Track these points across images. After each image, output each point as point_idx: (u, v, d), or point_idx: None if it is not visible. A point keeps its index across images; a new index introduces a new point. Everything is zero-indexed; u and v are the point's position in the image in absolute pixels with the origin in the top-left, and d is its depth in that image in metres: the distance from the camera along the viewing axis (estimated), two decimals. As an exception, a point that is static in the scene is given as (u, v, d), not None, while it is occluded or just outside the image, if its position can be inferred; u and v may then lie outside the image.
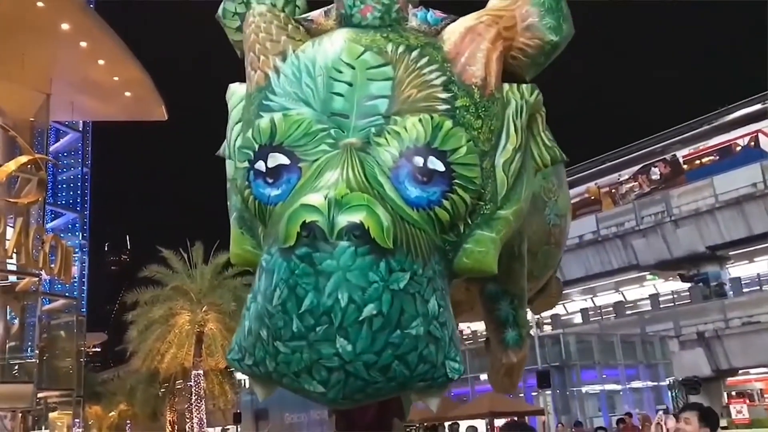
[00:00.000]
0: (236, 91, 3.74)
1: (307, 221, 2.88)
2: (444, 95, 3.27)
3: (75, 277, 27.47)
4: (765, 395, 31.66)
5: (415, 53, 3.35)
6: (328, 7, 3.69)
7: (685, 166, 35.88)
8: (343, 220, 2.87)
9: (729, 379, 31.27)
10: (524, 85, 3.59)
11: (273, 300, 2.91)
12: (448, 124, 3.18)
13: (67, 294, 27.13)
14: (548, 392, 25.08)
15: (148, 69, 25.14)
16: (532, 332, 27.18)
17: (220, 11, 3.85)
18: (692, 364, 29.33)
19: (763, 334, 28.63)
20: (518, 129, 3.47)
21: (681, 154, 36.38)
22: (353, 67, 3.29)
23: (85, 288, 30.43)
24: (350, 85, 3.27)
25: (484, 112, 3.34)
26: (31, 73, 22.23)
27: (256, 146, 3.26)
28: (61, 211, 29.38)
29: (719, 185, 31.05)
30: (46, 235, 22.52)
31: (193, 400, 29.75)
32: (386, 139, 3.15)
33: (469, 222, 3.27)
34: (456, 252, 3.28)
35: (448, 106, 3.25)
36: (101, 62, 23.29)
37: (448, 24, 3.56)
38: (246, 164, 3.30)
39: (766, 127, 32.98)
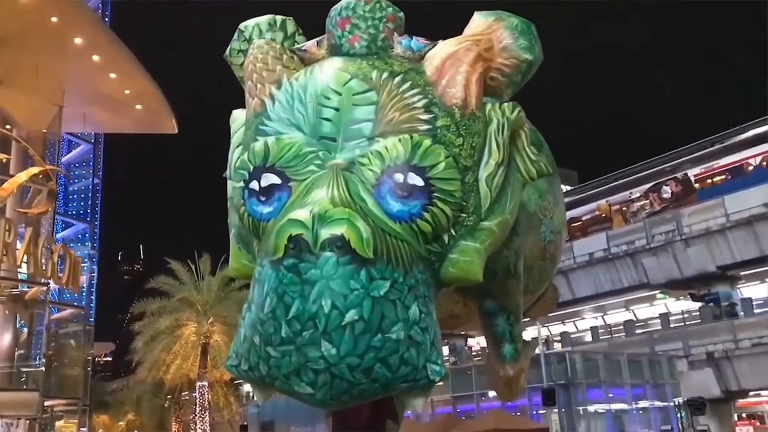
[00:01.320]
0: (238, 117, 4.03)
1: (293, 234, 3.12)
2: (425, 116, 3.49)
3: (84, 287, 27.66)
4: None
5: (398, 78, 3.59)
6: (321, 37, 3.98)
7: (696, 185, 35.64)
8: (326, 233, 3.10)
9: (740, 400, 30.90)
10: (506, 104, 3.82)
11: (264, 308, 3.14)
12: (427, 142, 3.39)
13: (75, 303, 27.30)
14: (554, 410, 24.95)
15: (160, 82, 25.51)
16: (538, 350, 27.10)
17: (227, 51, 4.18)
18: (701, 385, 29.04)
19: (774, 356, 28.32)
20: (500, 145, 3.67)
21: (692, 173, 36.16)
22: (340, 94, 3.55)
23: (93, 298, 30.64)
24: (337, 110, 3.52)
25: (465, 131, 3.54)
26: (44, 86, 22.64)
27: (251, 167, 3.52)
28: (71, 221, 29.70)
29: (730, 205, 30.79)
30: (55, 245, 22.77)
31: (197, 412, 29.83)
32: (369, 159, 3.38)
33: (453, 233, 3.47)
34: (442, 262, 3.48)
35: (429, 127, 3.46)
36: (113, 75, 23.66)
37: (431, 49, 3.79)
38: (242, 184, 3.56)
39: (778, 147, 32.74)
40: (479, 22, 3.86)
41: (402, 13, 3.96)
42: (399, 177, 3.33)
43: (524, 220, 4.64)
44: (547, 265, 5.58)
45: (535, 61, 3.82)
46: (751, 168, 33.28)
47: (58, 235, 27.96)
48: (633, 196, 39.01)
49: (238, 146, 3.87)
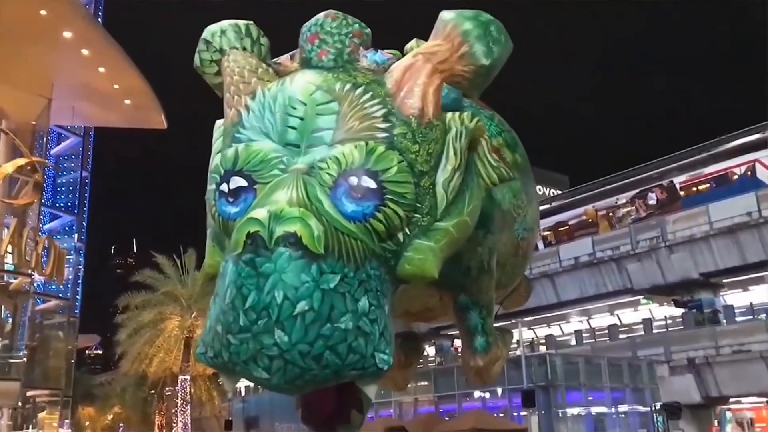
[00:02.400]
0: (219, 127, 4.31)
1: (251, 232, 3.41)
2: (383, 125, 3.77)
3: (70, 279, 27.77)
4: (756, 424, 31.48)
5: (359, 90, 3.86)
6: (294, 51, 4.27)
7: (681, 193, 35.88)
8: (280, 230, 3.38)
9: (720, 407, 31.14)
10: (465, 113, 4.08)
11: (225, 299, 3.43)
12: (381, 148, 3.66)
13: (61, 295, 27.39)
14: (533, 411, 25.15)
15: (150, 78, 25.61)
16: (518, 352, 27.29)
17: (197, 61, 4.38)
18: (682, 390, 29.26)
19: (754, 363, 28.54)
20: (457, 151, 3.93)
21: (678, 180, 36.38)
22: (305, 104, 3.84)
23: (79, 290, 30.64)
24: (302, 119, 3.81)
25: (422, 138, 3.81)
26: (33, 78, 22.81)
27: (222, 171, 3.83)
28: (59, 213, 29.78)
29: (714, 213, 30.99)
30: (40, 236, 22.92)
31: (179, 405, 29.95)
32: (327, 163, 3.65)
33: (408, 232, 3.71)
34: (398, 259, 3.72)
35: (387, 134, 3.74)
36: (102, 70, 23.76)
37: (393, 62, 4.07)
38: (213, 186, 3.88)
39: (763, 157, 32.96)
40: (441, 25, 4.04)
41: (369, 29, 4.21)
42: (353, 180, 3.58)
43: (498, 219, 4.89)
44: (520, 261, 5.82)
45: (496, 63, 4.02)
46: (735, 177, 33.55)
47: (46, 227, 28.11)
48: (619, 202, 39.24)
49: (218, 153, 4.10)
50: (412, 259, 3.72)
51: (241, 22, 4.34)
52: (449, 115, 3.98)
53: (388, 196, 3.59)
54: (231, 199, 3.75)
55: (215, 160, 4.05)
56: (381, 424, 23.21)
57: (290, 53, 4.30)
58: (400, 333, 6.64)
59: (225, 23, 4.34)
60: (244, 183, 3.73)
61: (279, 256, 3.34)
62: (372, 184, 3.58)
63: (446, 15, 4.08)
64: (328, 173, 3.62)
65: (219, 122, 4.29)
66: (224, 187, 3.79)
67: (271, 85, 4.00)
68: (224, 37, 4.26)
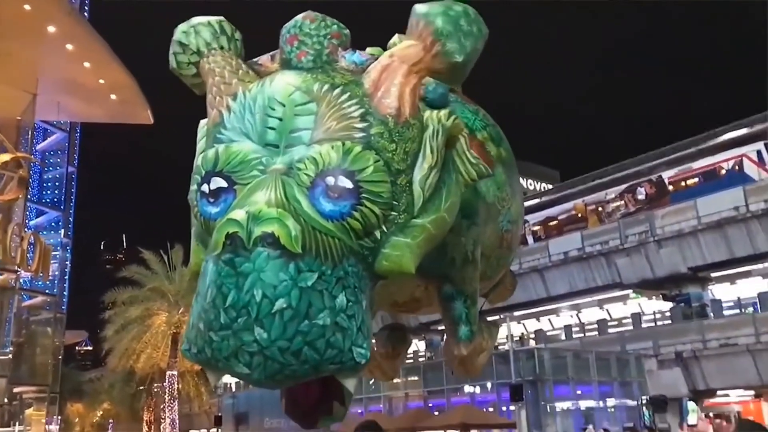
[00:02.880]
0: (203, 127, 4.29)
1: (230, 232, 3.43)
2: (360, 125, 3.78)
3: (56, 275, 27.71)
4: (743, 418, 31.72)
5: (337, 90, 3.87)
6: (274, 52, 4.26)
7: (670, 188, 36.06)
8: (258, 230, 3.41)
9: (708, 400, 31.42)
10: (442, 111, 4.09)
11: (207, 298, 3.46)
12: (357, 148, 3.68)
13: (47, 291, 27.31)
14: (522, 405, 25.33)
15: (137, 72, 25.47)
16: (506, 346, 27.45)
17: (173, 63, 4.31)
18: (670, 384, 29.51)
19: (741, 357, 28.82)
20: (434, 149, 3.95)
21: (667, 175, 36.57)
22: (284, 105, 3.85)
23: (66, 286, 30.58)
24: (281, 120, 3.82)
25: (399, 137, 3.84)
26: (17, 73, 22.67)
27: (203, 172, 3.82)
28: (45, 209, 29.68)
29: (702, 207, 31.19)
30: (26, 232, 22.82)
31: (166, 401, 29.99)
32: (305, 164, 3.66)
33: (385, 230, 3.74)
34: (375, 256, 3.76)
35: (364, 134, 3.76)
36: (87, 65, 23.63)
37: (371, 63, 4.05)
38: (195, 187, 3.87)
39: (750, 152, 33.20)
40: (414, 20, 4.02)
41: (347, 30, 4.19)
42: (331, 180, 3.60)
43: (483, 211, 4.95)
44: (504, 253, 5.84)
45: (470, 57, 4.01)
46: (723, 172, 33.75)
47: (32, 223, 28.01)
48: (608, 197, 39.40)
49: (201, 154, 4.07)
50: (389, 256, 3.76)
51: (213, 20, 4.30)
52: (427, 113, 4.00)
53: (364, 195, 3.62)
54: (212, 200, 3.75)
55: (197, 160, 4.09)
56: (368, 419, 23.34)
57: (271, 53, 4.28)
58: (387, 325, 6.77)
59: (195, 21, 4.30)
60: (224, 184, 3.73)
61: (257, 255, 3.38)
62: (348, 184, 3.60)
63: (418, 9, 4.03)
64: (305, 173, 3.63)
65: (203, 122, 4.25)
66: (205, 187, 3.78)
67: (251, 86, 4.01)
68: (199, 37, 4.23)
